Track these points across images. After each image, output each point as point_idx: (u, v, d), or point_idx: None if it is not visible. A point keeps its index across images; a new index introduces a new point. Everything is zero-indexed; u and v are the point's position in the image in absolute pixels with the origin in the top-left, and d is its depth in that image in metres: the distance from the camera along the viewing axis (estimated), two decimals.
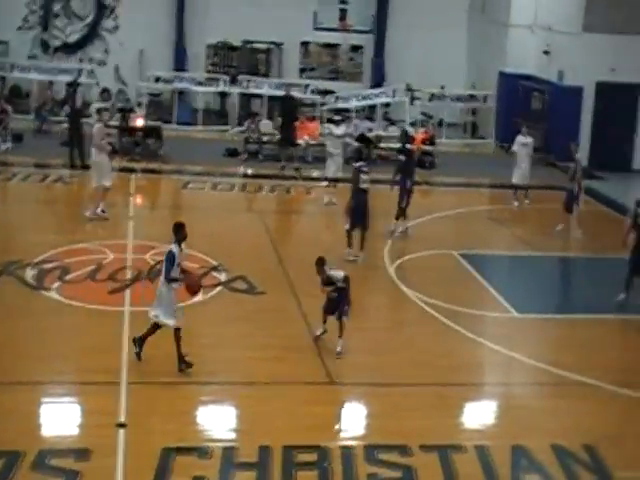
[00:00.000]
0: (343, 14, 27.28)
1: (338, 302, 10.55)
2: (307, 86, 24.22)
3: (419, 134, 22.17)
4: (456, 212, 17.65)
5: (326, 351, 10.53)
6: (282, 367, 10.07)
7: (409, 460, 8.24)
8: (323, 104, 23.51)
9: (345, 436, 8.75)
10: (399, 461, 8.24)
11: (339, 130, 17.82)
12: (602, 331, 11.98)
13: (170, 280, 9.62)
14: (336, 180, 17.52)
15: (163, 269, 9.74)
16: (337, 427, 9.03)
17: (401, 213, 15.33)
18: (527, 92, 23.74)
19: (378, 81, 25.97)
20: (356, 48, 27.26)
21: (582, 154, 20.16)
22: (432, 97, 24.12)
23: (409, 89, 23.85)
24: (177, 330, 9.61)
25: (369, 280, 13.54)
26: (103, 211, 15.28)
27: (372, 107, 24.39)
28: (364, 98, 24.00)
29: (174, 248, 9.70)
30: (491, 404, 10.01)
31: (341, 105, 23.52)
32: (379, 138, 22.12)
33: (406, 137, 16.19)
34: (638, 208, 12.51)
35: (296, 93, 22.57)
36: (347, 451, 8.34)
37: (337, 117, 18.85)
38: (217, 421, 8.95)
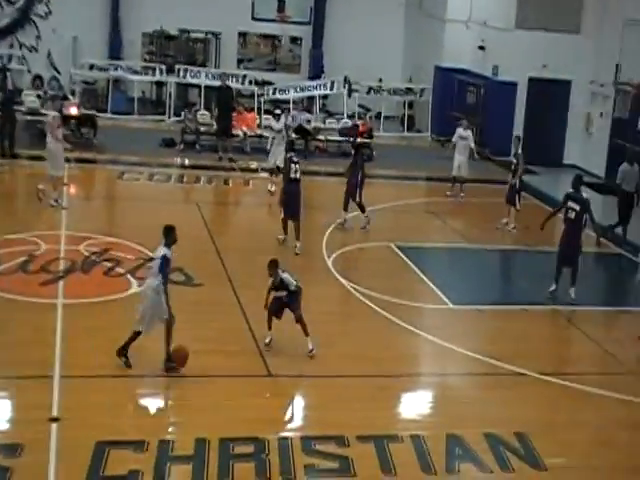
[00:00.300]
0: (281, 5, 27.20)
1: (288, 304, 10.36)
2: (245, 77, 24.08)
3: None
4: (393, 205, 17.81)
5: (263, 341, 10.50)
6: (220, 360, 10.01)
7: (346, 451, 8.30)
8: (261, 95, 23.40)
9: (283, 428, 8.76)
10: (336, 452, 8.28)
11: (279, 124, 17.78)
12: (534, 321, 12.26)
13: (165, 284, 9.36)
14: (278, 170, 17.51)
15: (156, 272, 9.44)
16: (275, 419, 9.00)
17: (361, 207, 15.52)
18: (463, 86, 24.11)
19: (316, 73, 26.00)
20: (294, 39, 27.25)
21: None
22: (370, 90, 24.27)
23: (347, 82, 23.92)
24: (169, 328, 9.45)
25: (307, 272, 13.49)
26: (56, 201, 14.99)
27: (310, 99, 24.40)
28: (302, 90, 24.00)
29: (167, 252, 9.46)
30: (427, 394, 10.14)
31: (279, 96, 23.44)
32: (317, 130, 22.15)
33: (355, 131, 16.23)
34: (568, 201, 12.78)
35: (233, 84, 22.44)
36: (284, 442, 8.34)
37: (277, 111, 18.77)
38: (153, 414, 8.87)
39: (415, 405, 9.86)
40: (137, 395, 9.17)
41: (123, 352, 9.43)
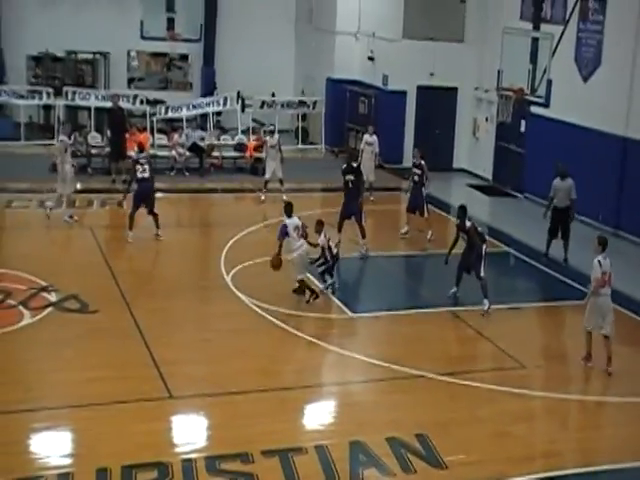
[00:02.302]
0: (171, 23, 27.00)
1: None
2: (136, 96, 23.74)
3: (252, 141, 22.47)
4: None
5: (165, 364, 10.40)
6: (119, 386, 9.84)
7: (251, 467, 8.30)
8: (153, 114, 23.15)
9: (185, 450, 8.64)
10: (241, 469, 8.28)
11: (273, 140, 18.88)
12: (431, 324, 12.54)
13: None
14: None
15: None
16: (177, 441, 8.91)
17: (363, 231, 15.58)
18: (354, 97, 24.51)
19: (209, 90, 25.92)
20: (185, 57, 27.11)
21: (407, 156, 21.27)
22: (263, 104, 24.35)
23: (240, 97, 23.96)
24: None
25: (206, 289, 13.52)
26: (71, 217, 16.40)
27: (204, 116, 24.30)
28: (195, 107, 23.81)
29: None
30: (329, 404, 10.23)
31: (172, 115, 23.26)
32: (212, 147, 22.10)
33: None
34: (459, 232, 13.14)
35: (125, 104, 22.13)
36: (188, 464, 8.27)
37: (270, 127, 20.64)
38: (51, 448, 8.58)
39: (318, 415, 9.94)
40: (34, 429, 8.86)
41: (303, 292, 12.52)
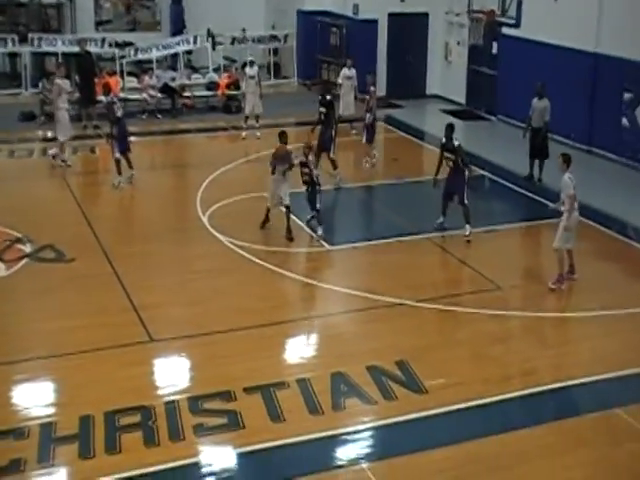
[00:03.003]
0: None
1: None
2: (104, 40, 23.21)
3: (223, 79, 22.12)
4: (265, 154, 17.73)
5: (144, 308, 10.44)
6: (99, 332, 9.86)
7: (233, 405, 8.41)
8: (122, 57, 22.68)
9: (168, 392, 8.72)
10: (223, 407, 8.39)
11: (252, 71, 18.70)
12: (409, 252, 12.58)
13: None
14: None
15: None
16: (159, 384, 8.99)
17: (333, 163, 15.59)
18: (325, 29, 24.05)
19: (178, 29, 25.32)
20: None
21: (380, 85, 20.99)
22: (234, 41, 23.88)
23: (210, 34, 23.47)
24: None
25: (183, 231, 13.47)
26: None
27: (174, 56, 23.82)
28: (165, 47, 23.32)
29: None
30: (310, 337, 10.33)
31: (141, 57, 22.79)
32: (183, 87, 21.76)
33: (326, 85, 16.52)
34: (444, 152, 12.98)
35: (93, 48, 21.67)
36: (171, 406, 8.37)
37: (250, 58, 19.71)
38: (33, 398, 8.62)
39: (298, 349, 10.05)
40: (16, 381, 8.89)
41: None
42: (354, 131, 18.54)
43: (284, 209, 12.92)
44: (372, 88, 16.61)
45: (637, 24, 16.26)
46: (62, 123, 16.43)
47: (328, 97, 15.86)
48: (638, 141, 16.54)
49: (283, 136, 13.10)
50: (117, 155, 15.07)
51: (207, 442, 7.88)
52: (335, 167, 15.48)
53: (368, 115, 16.51)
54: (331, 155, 15.49)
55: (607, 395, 8.79)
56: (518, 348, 9.91)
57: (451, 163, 12.90)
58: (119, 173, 15.12)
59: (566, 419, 8.33)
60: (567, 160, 11.05)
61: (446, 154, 12.93)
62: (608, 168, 16.88)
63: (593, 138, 17.62)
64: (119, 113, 15.27)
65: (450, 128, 12.98)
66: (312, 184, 12.98)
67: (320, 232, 12.86)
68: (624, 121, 16.83)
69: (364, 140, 16.58)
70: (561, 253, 11.07)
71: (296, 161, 12.94)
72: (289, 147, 13.03)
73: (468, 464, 7.57)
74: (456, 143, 12.83)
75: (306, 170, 12.94)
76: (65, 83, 16.72)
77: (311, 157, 13.20)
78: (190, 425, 8.07)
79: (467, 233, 12.77)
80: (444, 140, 13.02)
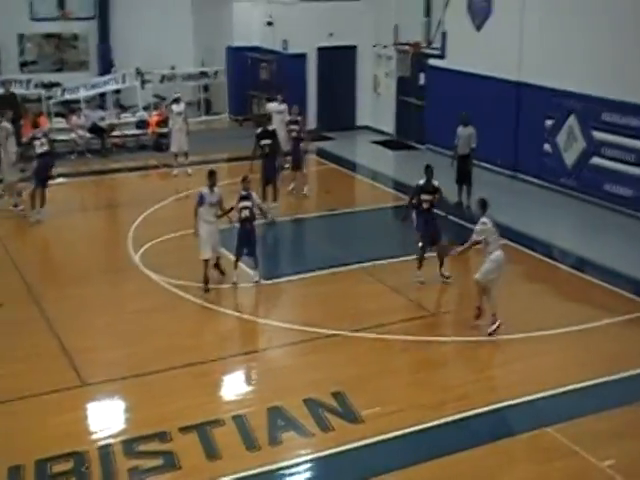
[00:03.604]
0: (62, 2, 26.08)
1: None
2: (29, 81, 22.97)
3: (153, 117, 22.06)
4: (195, 191, 17.68)
5: (76, 352, 10.24)
6: (29, 379, 9.64)
7: (169, 445, 8.31)
8: (49, 98, 22.46)
9: (102, 436, 8.56)
10: (159, 448, 8.27)
11: (179, 107, 18.83)
12: (343, 282, 12.68)
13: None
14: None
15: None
16: (92, 429, 8.81)
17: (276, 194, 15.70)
18: (255, 64, 24.27)
19: (106, 68, 25.23)
20: (79, 36, 26.28)
21: (311, 117, 21.26)
22: (163, 78, 23.91)
23: (139, 73, 23.44)
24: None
25: (114, 270, 13.31)
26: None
27: (103, 95, 23.72)
28: (93, 87, 23.22)
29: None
30: (246, 373, 10.25)
31: (69, 97, 22.60)
32: (113, 126, 21.62)
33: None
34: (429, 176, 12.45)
35: (18, 89, 21.41)
36: (105, 451, 8.23)
37: (177, 95, 19.68)
38: None
39: (235, 386, 9.98)
40: None
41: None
42: (287, 165, 18.67)
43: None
44: (299, 117, 16.79)
45: (556, 53, 16.85)
46: (10, 165, 16.29)
47: (270, 128, 15.90)
48: (559, 166, 17.07)
49: (212, 176, 12.22)
50: (32, 190, 15.28)
51: None
52: (276, 199, 15.52)
53: (293, 144, 16.69)
54: (278, 185, 15.52)
55: (538, 414, 8.94)
56: (452, 373, 10.04)
57: (428, 204, 12.35)
58: (33, 207, 15.37)
59: (500, 440, 8.45)
60: (483, 205, 10.76)
61: (424, 196, 12.35)
62: (532, 192, 17.37)
63: (518, 163, 18.14)
64: (39, 150, 15.35)
65: (430, 170, 12.42)
66: (251, 221, 12.40)
67: (257, 278, 12.47)
68: (546, 147, 17.37)
69: (304, 170, 16.69)
70: (479, 287, 10.77)
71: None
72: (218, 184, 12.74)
73: None
74: (436, 183, 12.42)
75: (247, 204, 12.26)
76: (5, 129, 16.34)
77: (254, 193, 12.66)
78: (125, 469, 7.95)
79: (446, 274, 12.42)
80: (422, 182, 12.39)
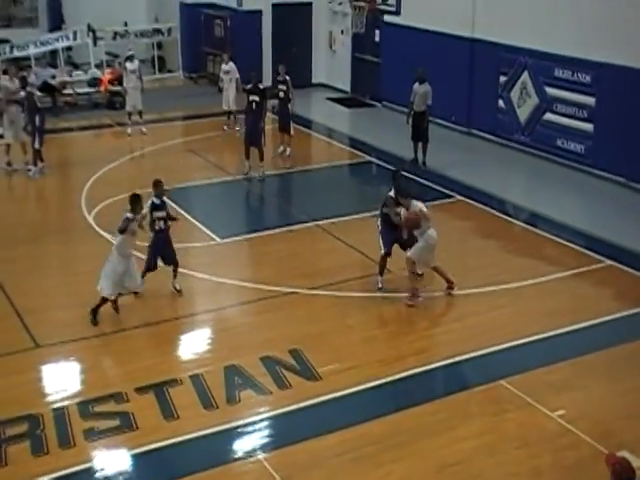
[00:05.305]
0: None
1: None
2: None
3: (106, 75, 21.57)
4: (152, 149, 17.50)
5: (28, 313, 10.09)
6: None
7: (125, 406, 8.26)
8: None
9: (56, 398, 8.46)
10: (115, 409, 8.23)
11: (133, 65, 18.37)
12: (301, 241, 12.65)
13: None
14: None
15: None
16: (46, 391, 8.70)
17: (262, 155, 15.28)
18: (209, 20, 23.82)
19: (57, 24, 24.55)
20: None
21: (266, 75, 20.98)
22: (116, 35, 23.31)
23: (91, 29, 22.83)
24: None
25: (67, 230, 13.07)
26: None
27: (53, 52, 23.08)
28: (43, 44, 22.56)
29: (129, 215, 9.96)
30: (202, 332, 10.20)
31: (18, 54, 21.95)
32: (64, 84, 21.09)
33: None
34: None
35: None
36: (60, 413, 8.15)
37: (131, 52, 19.10)
38: None
39: (192, 345, 9.91)
40: None
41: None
42: (226, 127, 18.45)
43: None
44: (287, 77, 16.21)
45: (509, 9, 16.82)
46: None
47: (260, 85, 15.52)
48: (513, 122, 17.14)
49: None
50: (37, 146, 15.37)
51: (99, 446, 7.70)
52: (262, 159, 15.31)
53: (280, 105, 16.32)
54: (262, 148, 15.25)
55: (492, 367, 9.09)
56: (408, 329, 10.11)
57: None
58: (35, 164, 15.42)
59: (456, 394, 8.57)
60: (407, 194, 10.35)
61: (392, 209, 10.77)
62: (487, 148, 17.44)
63: (472, 120, 18.16)
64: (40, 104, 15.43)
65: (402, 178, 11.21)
66: (167, 231, 10.73)
67: (178, 287, 10.91)
68: (500, 103, 17.41)
69: (291, 132, 16.35)
70: (411, 265, 10.46)
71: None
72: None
73: (364, 446, 7.67)
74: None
75: (161, 214, 10.55)
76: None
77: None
78: (81, 430, 7.88)
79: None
80: (391, 191, 10.91)
